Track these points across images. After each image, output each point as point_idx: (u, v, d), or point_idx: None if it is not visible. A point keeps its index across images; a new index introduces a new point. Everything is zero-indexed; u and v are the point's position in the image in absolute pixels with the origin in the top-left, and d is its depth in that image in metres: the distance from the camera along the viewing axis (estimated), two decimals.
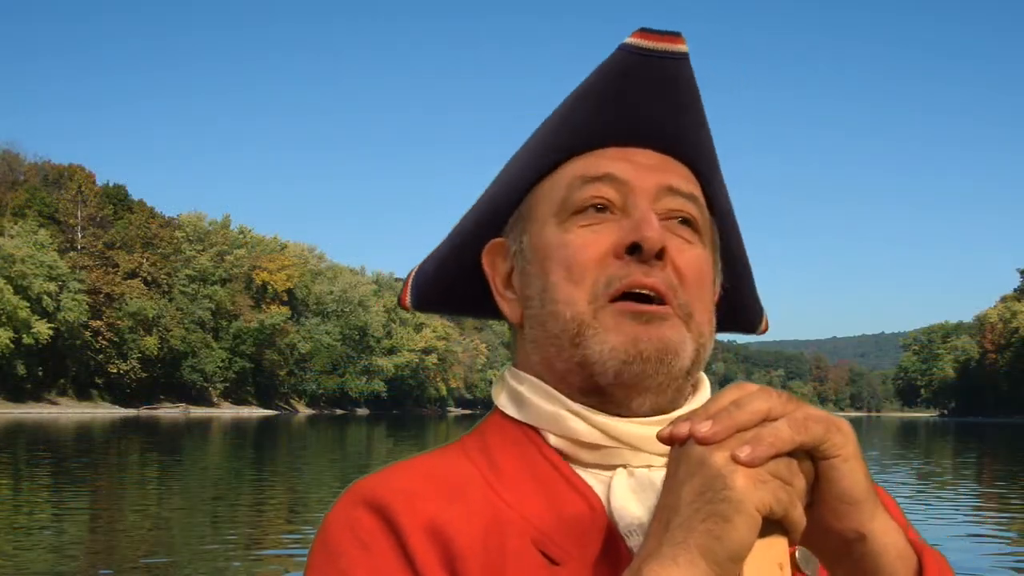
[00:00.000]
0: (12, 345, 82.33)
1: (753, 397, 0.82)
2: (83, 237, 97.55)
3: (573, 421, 0.97)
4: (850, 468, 0.83)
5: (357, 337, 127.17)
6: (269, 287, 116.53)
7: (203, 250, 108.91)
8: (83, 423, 59.97)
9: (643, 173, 0.99)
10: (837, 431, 0.82)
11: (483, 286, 1.08)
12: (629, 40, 0.99)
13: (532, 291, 1.01)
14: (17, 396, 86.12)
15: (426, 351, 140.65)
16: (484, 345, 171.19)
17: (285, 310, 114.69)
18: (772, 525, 0.81)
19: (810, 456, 0.82)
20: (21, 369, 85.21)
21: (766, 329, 1.18)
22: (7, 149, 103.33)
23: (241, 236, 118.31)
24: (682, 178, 1.02)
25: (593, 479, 0.97)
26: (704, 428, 0.80)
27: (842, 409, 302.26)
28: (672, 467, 0.82)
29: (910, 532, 0.95)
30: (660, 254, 0.96)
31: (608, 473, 0.97)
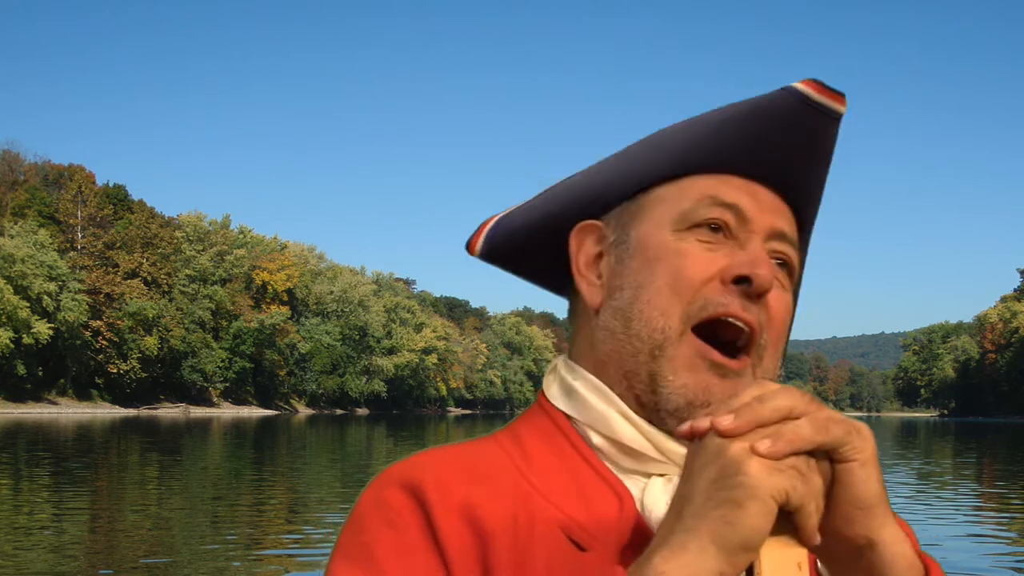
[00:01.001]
0: (12, 345, 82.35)
1: (776, 394, 0.82)
2: (83, 237, 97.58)
3: (621, 425, 0.98)
4: (867, 473, 0.83)
5: (357, 337, 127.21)
6: (269, 287, 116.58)
7: (203, 250, 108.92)
8: (83, 423, 59.96)
9: (763, 212, 1.01)
10: (857, 434, 0.82)
11: (553, 257, 1.09)
12: (800, 87, 0.99)
13: (626, 284, 1.01)
14: (17, 396, 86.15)
15: (426, 351, 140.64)
16: (484, 345, 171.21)
17: (285, 310, 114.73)
18: (790, 524, 0.81)
19: (828, 458, 0.82)
20: (21, 369, 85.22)
21: None
22: (7, 149, 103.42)
23: (241, 236, 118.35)
24: (790, 224, 1.03)
25: (629, 481, 0.98)
26: (726, 421, 0.80)
27: (842, 409, 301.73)
28: (690, 459, 0.83)
29: (915, 545, 0.94)
30: (763, 294, 0.97)
31: (644, 479, 0.98)
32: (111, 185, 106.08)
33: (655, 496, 0.95)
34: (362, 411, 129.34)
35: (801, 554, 0.83)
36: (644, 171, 1.04)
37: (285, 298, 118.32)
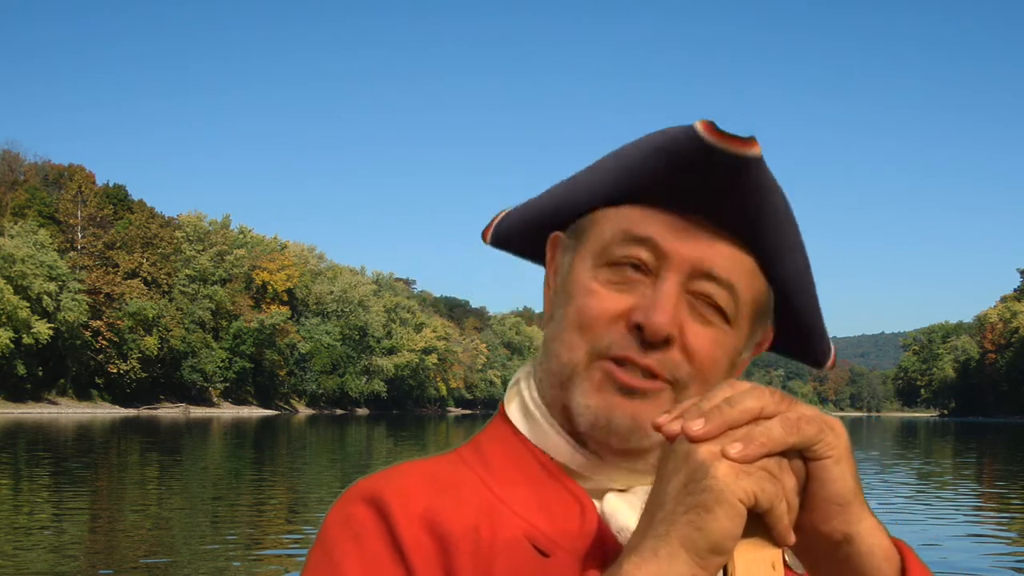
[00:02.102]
0: (12, 345, 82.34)
1: (745, 395, 0.82)
2: (83, 237, 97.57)
3: (570, 453, 1.01)
4: (841, 470, 0.83)
5: (357, 337, 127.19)
6: (269, 287, 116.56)
7: (203, 250, 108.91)
8: (83, 423, 59.99)
9: (686, 247, 0.99)
10: (830, 431, 0.82)
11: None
12: (697, 126, 0.97)
13: (555, 314, 1.04)
14: (17, 396, 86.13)
15: (426, 351, 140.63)
16: (484, 345, 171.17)
17: (285, 310, 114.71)
18: (764, 525, 0.81)
19: (801, 456, 0.82)
20: (21, 369, 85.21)
21: (833, 364, 1.17)
22: (7, 149, 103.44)
23: (241, 236, 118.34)
24: (728, 261, 1.00)
25: (590, 489, 1.01)
26: (696, 426, 0.80)
27: (842, 409, 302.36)
28: (661, 464, 0.83)
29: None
30: (667, 340, 0.97)
31: (605, 489, 1.00)
32: (111, 185, 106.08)
33: (614, 503, 0.97)
34: (362, 411, 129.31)
35: (775, 554, 0.83)
36: (587, 194, 1.04)
37: (285, 298, 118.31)
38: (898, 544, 0.89)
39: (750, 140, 0.97)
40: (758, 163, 0.98)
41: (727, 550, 0.79)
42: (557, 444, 1.01)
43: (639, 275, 0.99)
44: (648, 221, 1.00)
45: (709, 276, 0.99)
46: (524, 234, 1.11)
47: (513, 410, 1.06)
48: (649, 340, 0.96)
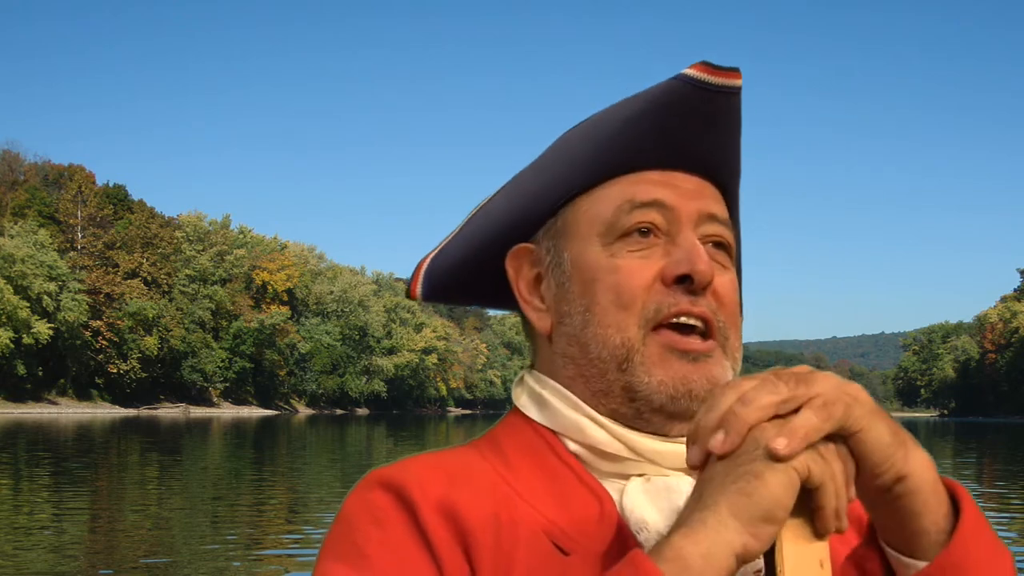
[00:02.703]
0: (12, 345, 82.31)
1: (758, 391, 0.81)
2: (83, 237, 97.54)
3: (595, 431, 0.99)
4: (876, 436, 0.83)
5: (357, 337, 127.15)
6: (269, 287, 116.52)
7: (203, 250, 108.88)
8: (83, 423, 59.94)
9: (686, 199, 1.01)
10: (855, 403, 0.82)
11: (497, 281, 1.09)
12: (690, 72, 1.00)
13: (572, 309, 1.02)
14: (17, 396, 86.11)
15: (426, 351, 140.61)
16: (484, 345, 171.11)
17: (285, 310, 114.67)
18: (812, 514, 0.81)
19: (838, 434, 0.82)
20: (21, 369, 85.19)
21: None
22: (7, 149, 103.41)
23: (241, 236, 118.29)
24: (718, 203, 1.04)
25: (608, 484, 0.98)
26: (717, 443, 0.80)
27: None
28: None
29: None
30: (706, 287, 0.98)
31: (624, 481, 0.98)
32: (111, 185, 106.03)
33: (634, 496, 0.96)
34: (362, 411, 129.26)
35: (823, 549, 0.83)
36: (559, 187, 1.04)
37: (285, 298, 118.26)
38: (950, 483, 0.90)
39: (735, 70, 1.00)
40: (739, 93, 1.01)
41: (778, 520, 0.78)
42: (588, 425, 0.99)
43: (652, 238, 1.00)
44: (643, 184, 1.01)
45: (711, 217, 1.02)
46: (471, 271, 1.09)
47: (525, 402, 1.05)
48: (698, 286, 0.97)
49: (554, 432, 1.01)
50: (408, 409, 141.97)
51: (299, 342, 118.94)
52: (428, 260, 1.10)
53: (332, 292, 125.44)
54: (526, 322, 1.08)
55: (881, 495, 0.87)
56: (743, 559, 0.78)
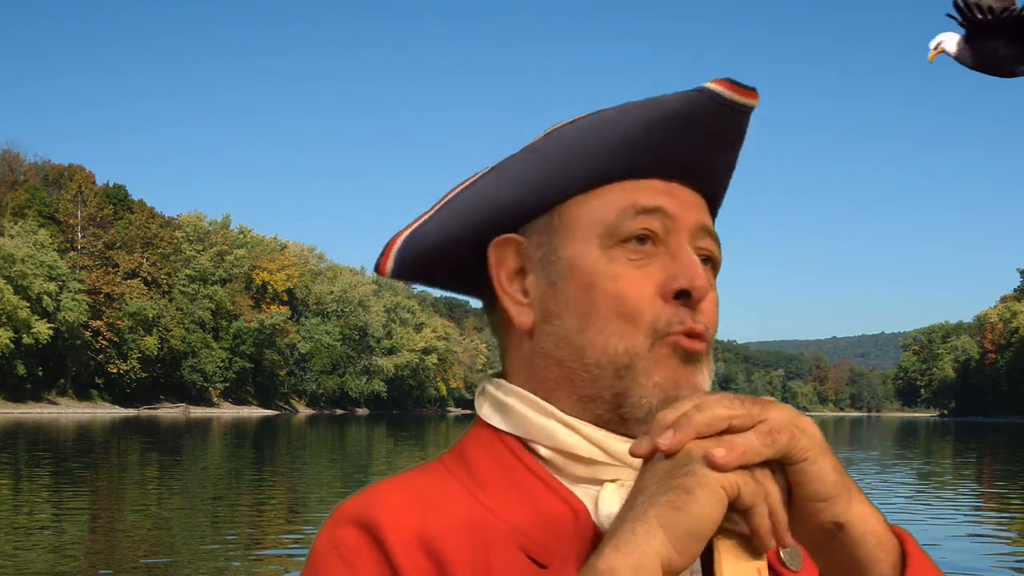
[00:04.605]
0: (12, 345, 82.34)
1: (714, 402, 0.82)
2: (83, 237, 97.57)
3: (566, 435, 0.97)
4: (818, 469, 0.83)
5: (357, 337, 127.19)
6: (269, 287, 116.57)
7: (203, 250, 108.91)
8: (83, 423, 59.97)
9: (686, 210, 1.01)
10: (802, 434, 0.82)
11: (471, 268, 1.06)
12: (715, 88, 0.99)
13: (564, 310, 0.99)
14: (17, 396, 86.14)
15: (426, 351, 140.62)
16: (484, 345, 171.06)
17: (285, 310, 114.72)
18: (747, 534, 0.82)
19: (779, 464, 0.82)
20: (21, 369, 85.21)
21: None
22: (7, 149, 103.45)
23: (241, 236, 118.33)
24: (709, 217, 1.04)
25: (581, 491, 0.96)
26: (666, 439, 0.81)
27: (842, 409, 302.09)
28: (642, 469, 0.83)
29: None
30: (701, 301, 0.98)
31: (597, 487, 0.96)
32: (111, 185, 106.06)
33: (609, 504, 0.95)
34: (362, 411, 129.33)
35: (760, 563, 0.83)
36: (560, 183, 1.01)
37: (285, 298, 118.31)
38: (900, 533, 0.89)
39: (755, 90, 1.00)
40: (752, 112, 1.02)
41: (704, 536, 0.79)
42: (558, 429, 0.97)
43: (649, 246, 0.99)
44: (646, 191, 1.00)
45: (705, 230, 1.02)
46: (452, 253, 1.05)
47: (488, 412, 1.02)
48: (696, 301, 0.97)
49: (522, 440, 0.99)
50: (408, 409, 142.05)
51: (299, 342, 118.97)
52: (402, 237, 1.06)
53: (332, 292, 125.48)
54: (495, 313, 1.06)
55: (822, 542, 0.87)
56: (668, 572, 0.79)
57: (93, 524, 13.13)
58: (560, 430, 0.97)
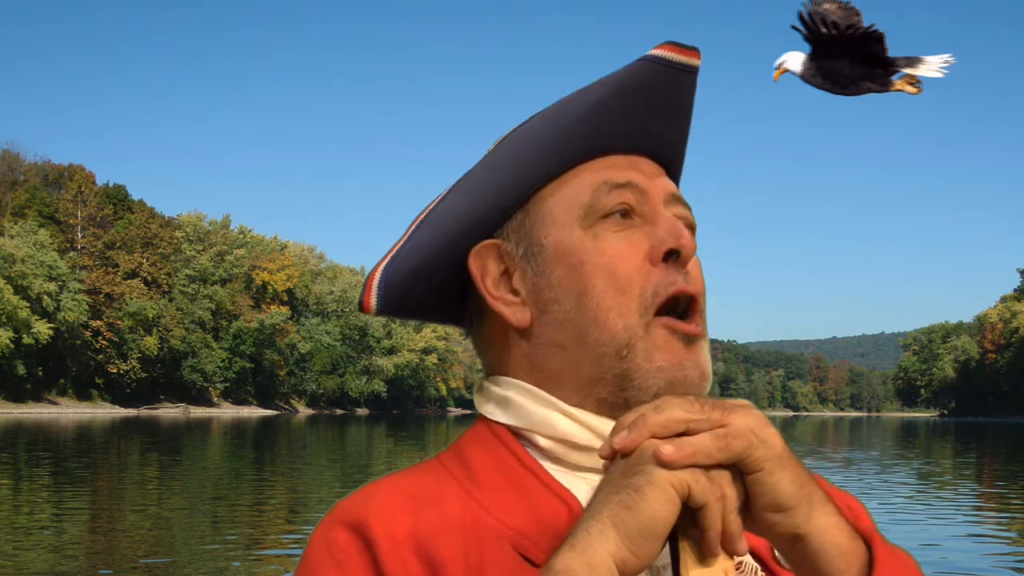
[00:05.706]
0: (12, 345, 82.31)
1: (674, 405, 0.82)
2: (83, 237, 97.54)
3: (566, 424, 0.97)
4: (775, 481, 0.83)
5: (357, 337, 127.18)
6: (269, 287, 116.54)
7: (203, 250, 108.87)
8: (83, 423, 59.94)
9: (654, 181, 1.02)
10: (760, 444, 0.82)
11: (455, 291, 1.06)
12: (658, 52, 1.00)
13: (559, 295, 0.99)
14: (17, 396, 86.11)
15: (426, 351, 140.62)
16: None
17: (285, 310, 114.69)
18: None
19: (739, 471, 0.83)
20: (21, 369, 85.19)
21: None
22: (7, 149, 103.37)
23: (241, 236, 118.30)
24: (675, 185, 1.05)
25: (582, 481, 0.97)
26: (619, 439, 0.82)
27: (842, 409, 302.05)
28: (604, 469, 0.85)
29: (864, 520, 0.99)
30: (688, 260, 0.98)
31: (598, 476, 0.94)
32: (111, 185, 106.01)
33: None
34: (362, 411, 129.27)
35: (727, 560, 0.83)
36: (526, 179, 1.02)
37: (285, 298, 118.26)
38: (870, 542, 0.88)
39: (696, 49, 1.01)
40: (697, 74, 1.03)
41: (658, 535, 0.79)
42: (558, 419, 0.98)
43: (629, 220, 0.99)
44: (612, 168, 1.01)
45: (676, 198, 1.03)
46: (434, 277, 1.05)
47: (491, 408, 1.02)
48: (685, 260, 0.97)
49: (521, 435, 1.00)
50: (408, 409, 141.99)
51: (299, 342, 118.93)
52: (380, 269, 1.04)
53: (332, 292, 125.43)
54: (481, 326, 1.05)
55: (785, 552, 0.87)
56: (624, 572, 0.79)
57: (93, 524, 13.12)
58: (559, 419, 0.97)
